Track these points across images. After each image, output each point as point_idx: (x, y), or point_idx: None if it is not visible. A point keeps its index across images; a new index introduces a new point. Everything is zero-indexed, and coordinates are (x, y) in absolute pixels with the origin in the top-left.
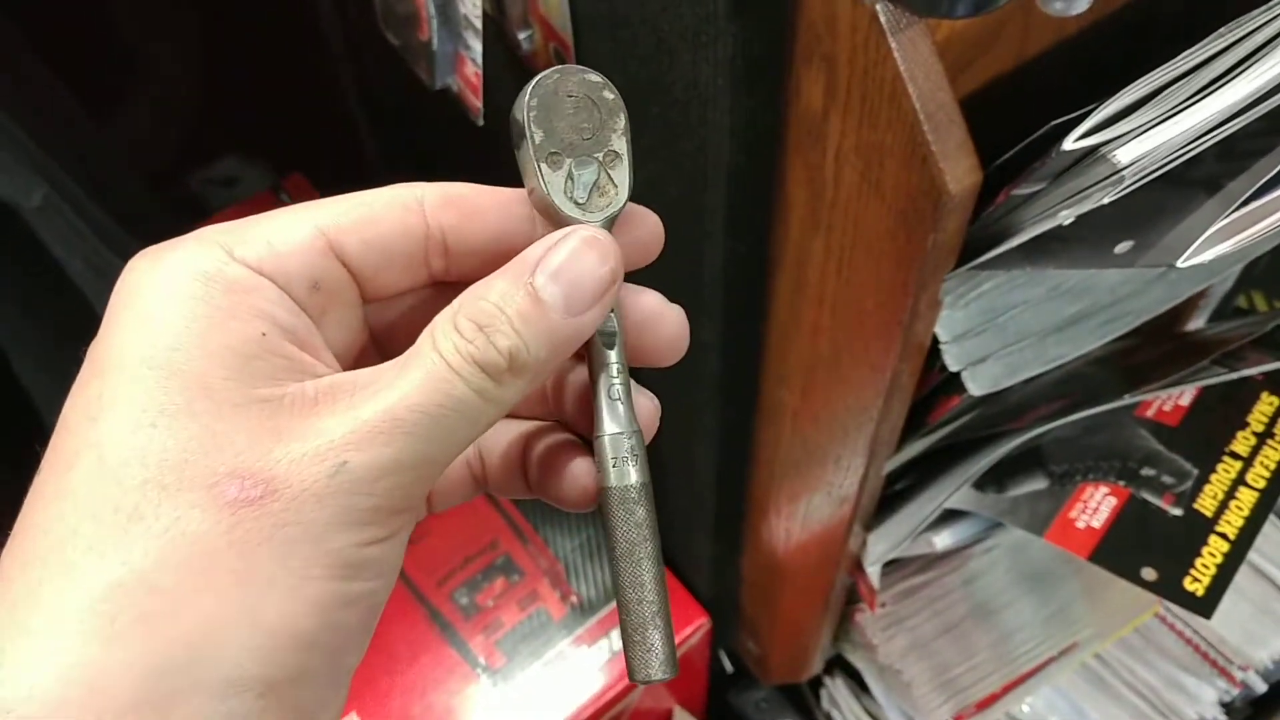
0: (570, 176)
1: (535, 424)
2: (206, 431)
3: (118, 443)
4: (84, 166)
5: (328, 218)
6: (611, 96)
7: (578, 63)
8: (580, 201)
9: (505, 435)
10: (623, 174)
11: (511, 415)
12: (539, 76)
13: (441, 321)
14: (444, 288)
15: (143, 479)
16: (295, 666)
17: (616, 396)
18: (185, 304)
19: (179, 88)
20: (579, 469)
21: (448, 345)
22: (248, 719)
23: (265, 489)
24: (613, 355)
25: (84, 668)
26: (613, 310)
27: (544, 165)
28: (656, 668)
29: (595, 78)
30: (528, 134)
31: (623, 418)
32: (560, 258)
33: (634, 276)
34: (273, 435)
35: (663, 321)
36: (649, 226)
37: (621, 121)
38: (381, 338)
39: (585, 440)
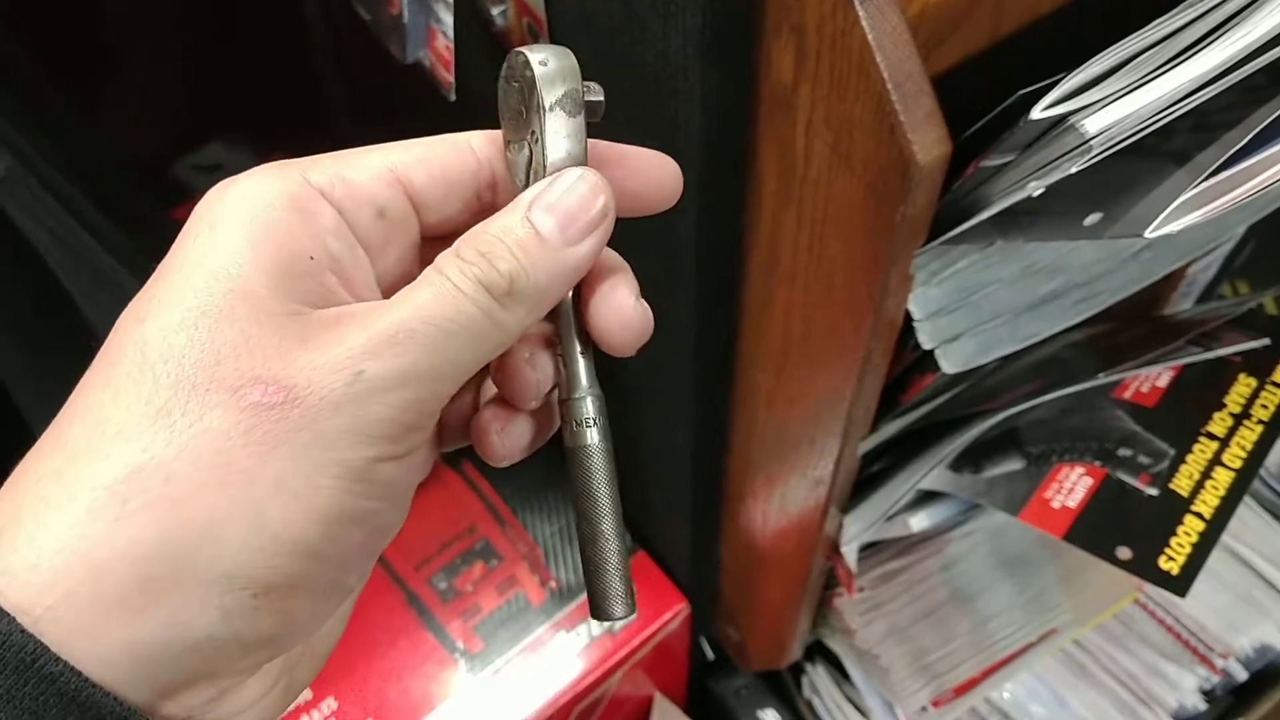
0: (517, 159)
1: None
2: (241, 336)
3: (160, 341)
4: (62, 151)
5: (396, 155)
6: (531, 75)
7: (550, 36)
8: (520, 184)
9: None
10: (542, 153)
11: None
12: (507, 57)
13: (446, 254)
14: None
15: (177, 376)
16: (294, 573)
17: (576, 361)
18: (248, 216)
19: (161, 74)
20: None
21: (453, 269)
22: (240, 616)
23: (287, 395)
24: (571, 323)
25: (88, 541)
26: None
27: (507, 152)
28: (620, 606)
29: (526, 56)
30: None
31: (582, 382)
32: (554, 194)
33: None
34: (300, 344)
35: (623, 311)
36: (665, 168)
37: (544, 99)
38: None
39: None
